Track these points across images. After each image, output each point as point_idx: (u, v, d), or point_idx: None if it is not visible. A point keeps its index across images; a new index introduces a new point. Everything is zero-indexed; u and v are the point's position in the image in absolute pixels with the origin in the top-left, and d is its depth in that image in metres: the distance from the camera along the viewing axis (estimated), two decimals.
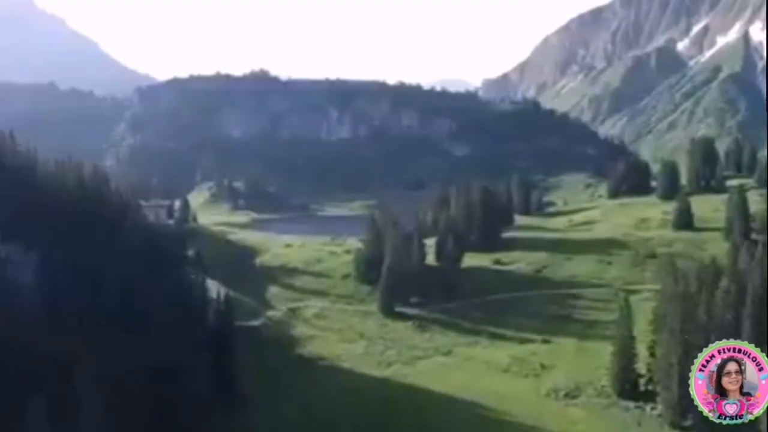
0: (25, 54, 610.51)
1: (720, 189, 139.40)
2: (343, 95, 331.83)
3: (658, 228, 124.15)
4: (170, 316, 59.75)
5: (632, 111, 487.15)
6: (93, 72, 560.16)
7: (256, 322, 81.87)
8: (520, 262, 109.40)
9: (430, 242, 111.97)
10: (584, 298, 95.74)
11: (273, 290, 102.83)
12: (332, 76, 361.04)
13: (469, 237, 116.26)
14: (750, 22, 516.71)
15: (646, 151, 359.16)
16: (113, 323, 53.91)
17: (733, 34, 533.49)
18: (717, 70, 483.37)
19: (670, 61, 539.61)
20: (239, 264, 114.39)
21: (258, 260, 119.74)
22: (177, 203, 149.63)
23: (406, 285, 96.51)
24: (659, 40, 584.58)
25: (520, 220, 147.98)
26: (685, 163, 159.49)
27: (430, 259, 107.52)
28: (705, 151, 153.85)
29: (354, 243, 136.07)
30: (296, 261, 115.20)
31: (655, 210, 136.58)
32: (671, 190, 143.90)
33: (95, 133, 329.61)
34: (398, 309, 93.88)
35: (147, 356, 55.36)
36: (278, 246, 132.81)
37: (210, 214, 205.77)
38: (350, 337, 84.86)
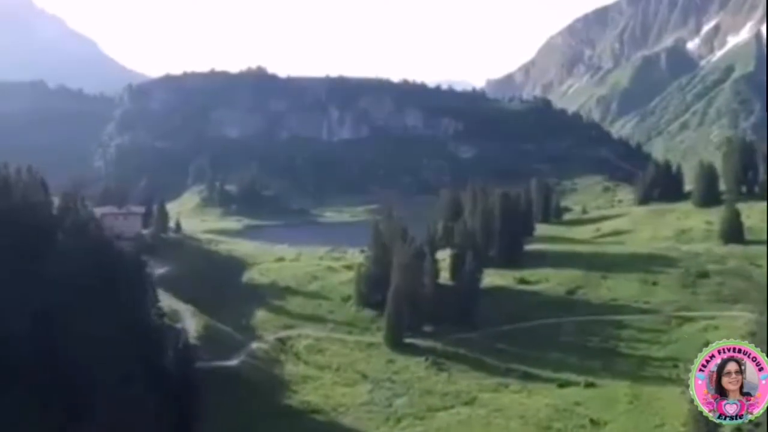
0: (22, 53, 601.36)
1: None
2: (345, 93, 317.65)
3: (703, 240, 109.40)
4: (108, 367, 44.52)
5: (642, 112, 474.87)
6: (92, 71, 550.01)
7: (233, 362, 66.36)
8: (549, 281, 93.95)
9: (441, 254, 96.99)
10: (630, 326, 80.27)
11: (260, 315, 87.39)
12: (333, 74, 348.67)
13: (488, 251, 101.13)
14: (762, 21, 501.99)
15: (657, 153, 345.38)
16: (22, 379, 38.61)
17: (744, 33, 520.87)
18: (729, 70, 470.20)
19: (680, 61, 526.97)
20: (222, 281, 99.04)
21: (245, 276, 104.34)
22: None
23: (418, 310, 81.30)
24: (668, 40, 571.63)
25: (538, 228, 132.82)
26: (721, 167, 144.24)
27: (444, 276, 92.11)
28: (744, 154, 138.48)
29: (356, 255, 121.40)
30: (289, 278, 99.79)
31: (695, 219, 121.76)
32: (709, 196, 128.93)
33: (85, 133, 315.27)
34: (408, 340, 78.55)
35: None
36: (270, 258, 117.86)
37: (199, 219, 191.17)
38: (351, 378, 69.42)
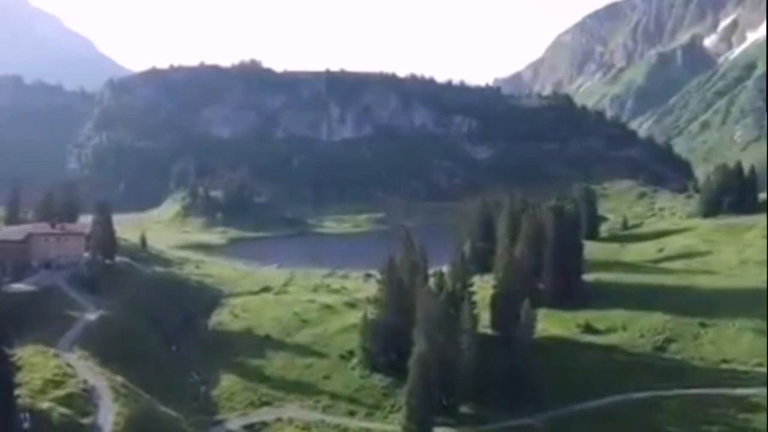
0: (21, 52, 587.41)
1: None
2: (346, 89, 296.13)
3: None
4: None
5: (659, 111, 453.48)
6: (88, 70, 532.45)
7: None
8: (626, 329, 68.95)
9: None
10: (762, 407, 54.84)
11: (225, 383, 61.90)
12: (333, 68, 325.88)
13: (536, 283, 76.03)
14: None
15: (679, 154, 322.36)
16: None
17: (763, 29, 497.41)
18: (751, 67, 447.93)
19: (697, 58, 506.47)
20: (180, 328, 73.44)
21: (214, 318, 78.91)
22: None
23: (452, 382, 56.05)
24: (684, 36, 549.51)
25: (586, 247, 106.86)
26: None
27: (483, 319, 66.63)
28: None
29: (359, 282, 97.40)
30: (270, 323, 74.43)
31: None
32: None
33: (65, 131, 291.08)
34: (440, 430, 53.22)
35: None
36: (251, 287, 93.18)
37: (177, 231, 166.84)
38: None
